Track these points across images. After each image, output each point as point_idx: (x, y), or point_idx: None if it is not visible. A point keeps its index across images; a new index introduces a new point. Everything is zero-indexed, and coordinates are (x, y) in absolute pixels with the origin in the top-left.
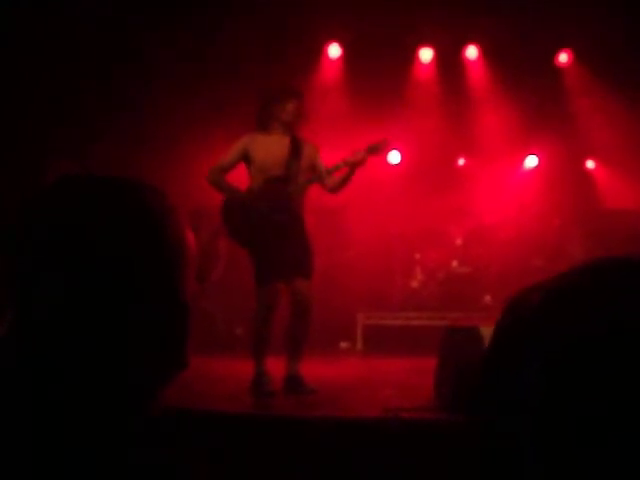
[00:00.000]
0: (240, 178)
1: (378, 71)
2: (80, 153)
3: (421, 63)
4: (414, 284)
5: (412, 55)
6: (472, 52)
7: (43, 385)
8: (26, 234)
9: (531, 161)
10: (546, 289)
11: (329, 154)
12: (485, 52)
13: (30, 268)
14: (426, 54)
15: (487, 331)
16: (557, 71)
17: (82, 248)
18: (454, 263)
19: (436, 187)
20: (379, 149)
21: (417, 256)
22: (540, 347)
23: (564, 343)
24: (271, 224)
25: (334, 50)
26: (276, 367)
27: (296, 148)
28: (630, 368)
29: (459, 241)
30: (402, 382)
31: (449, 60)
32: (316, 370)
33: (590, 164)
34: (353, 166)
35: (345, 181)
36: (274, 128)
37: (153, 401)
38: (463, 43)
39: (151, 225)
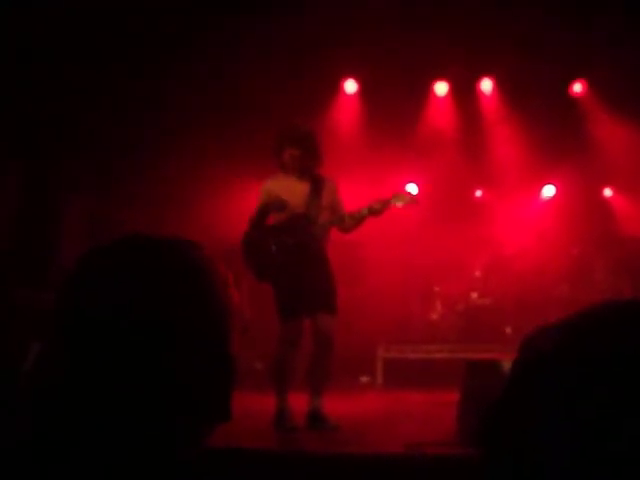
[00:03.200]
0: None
1: (394, 105)
2: (97, 189)
3: (436, 96)
4: (434, 316)
5: (427, 89)
6: (487, 85)
7: (85, 432)
8: (77, 286)
9: (548, 191)
10: (561, 327)
11: (347, 188)
12: (500, 84)
13: (78, 314)
14: (441, 88)
15: (508, 365)
16: (572, 101)
17: (135, 308)
18: (473, 295)
19: (454, 219)
20: (404, 201)
21: (436, 288)
22: (558, 385)
23: (581, 381)
24: (294, 258)
25: (350, 86)
26: (299, 402)
27: (316, 188)
28: None
29: (478, 272)
30: (424, 416)
31: (464, 93)
32: (337, 405)
33: (607, 192)
34: (374, 213)
35: (359, 224)
36: (289, 170)
37: (196, 450)
38: (478, 76)
39: (200, 284)
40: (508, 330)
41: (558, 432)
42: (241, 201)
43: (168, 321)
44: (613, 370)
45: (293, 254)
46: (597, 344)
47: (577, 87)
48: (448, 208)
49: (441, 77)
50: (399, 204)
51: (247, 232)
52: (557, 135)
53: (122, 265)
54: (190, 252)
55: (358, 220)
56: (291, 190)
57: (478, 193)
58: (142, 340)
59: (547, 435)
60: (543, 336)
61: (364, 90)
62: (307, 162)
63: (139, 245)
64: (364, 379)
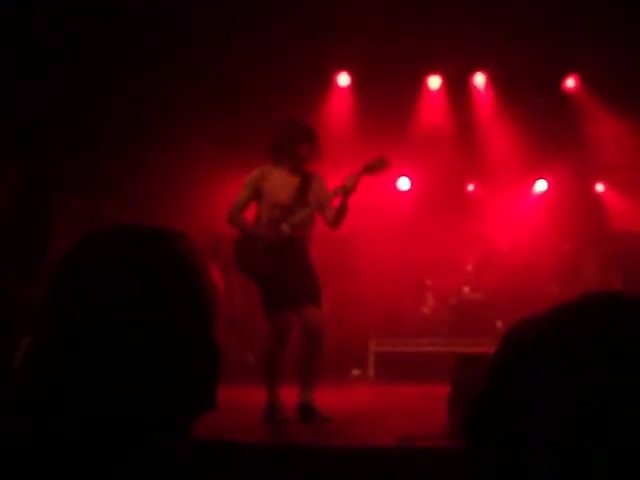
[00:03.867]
0: None
1: (387, 98)
2: (89, 186)
3: (430, 90)
4: (425, 310)
5: (421, 82)
6: (480, 79)
7: (84, 431)
8: (68, 280)
9: (541, 185)
10: (545, 319)
11: (338, 181)
12: (493, 78)
13: (72, 311)
14: (434, 81)
15: None
16: (565, 96)
17: (122, 297)
18: (465, 289)
19: (446, 213)
20: (376, 168)
21: (428, 282)
22: (539, 376)
23: (562, 373)
24: (278, 254)
25: (343, 79)
26: (289, 395)
27: (306, 184)
28: (625, 399)
29: (470, 267)
30: (415, 409)
31: (457, 87)
32: (328, 398)
33: (599, 187)
34: (348, 191)
35: (342, 210)
36: (286, 164)
37: (182, 440)
38: (471, 70)
39: (188, 274)
40: (499, 324)
41: (538, 424)
42: (233, 193)
43: (160, 314)
44: (595, 362)
45: (277, 249)
46: (580, 336)
47: (570, 82)
48: (440, 202)
49: (434, 71)
50: (372, 172)
51: (238, 238)
52: (550, 130)
53: (111, 259)
54: (178, 243)
55: (339, 210)
56: (282, 184)
57: (470, 187)
58: (135, 335)
59: (527, 427)
60: (526, 327)
61: (357, 83)
62: (313, 159)
63: (127, 237)
64: (356, 372)
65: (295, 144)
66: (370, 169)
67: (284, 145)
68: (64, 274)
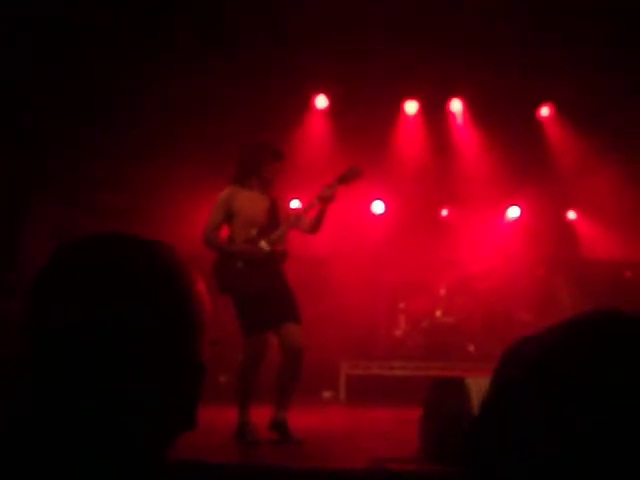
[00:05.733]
0: None
1: (364, 122)
2: (65, 189)
3: (406, 115)
4: (398, 333)
5: (398, 107)
6: (456, 105)
7: (54, 447)
8: (49, 291)
9: (513, 212)
10: (541, 342)
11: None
12: (469, 105)
13: (52, 324)
14: (411, 107)
15: (472, 382)
16: (539, 123)
17: (105, 310)
18: (438, 313)
19: (420, 237)
20: (348, 178)
21: (401, 305)
22: (541, 399)
23: (563, 394)
24: (259, 273)
25: (321, 101)
26: (260, 415)
27: (275, 204)
28: (631, 418)
29: (443, 291)
30: (387, 432)
31: (434, 112)
32: (299, 419)
33: (571, 215)
34: (325, 200)
35: (320, 219)
36: (254, 184)
37: (159, 461)
38: (448, 96)
39: (174, 288)
40: (471, 348)
41: (536, 452)
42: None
43: (146, 328)
44: (598, 389)
45: (258, 269)
46: (581, 360)
47: (544, 111)
48: (414, 226)
49: (411, 96)
50: (347, 182)
51: (217, 258)
52: (524, 157)
53: (96, 269)
54: (166, 255)
55: (316, 218)
56: (252, 203)
57: (444, 212)
58: (118, 349)
59: (524, 455)
60: (526, 348)
61: (334, 106)
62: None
63: (113, 246)
64: (327, 394)
65: (264, 165)
66: (344, 179)
67: (253, 166)
68: (45, 284)
